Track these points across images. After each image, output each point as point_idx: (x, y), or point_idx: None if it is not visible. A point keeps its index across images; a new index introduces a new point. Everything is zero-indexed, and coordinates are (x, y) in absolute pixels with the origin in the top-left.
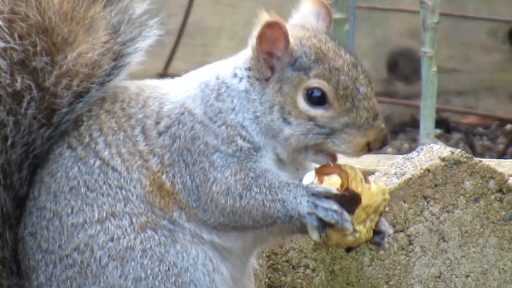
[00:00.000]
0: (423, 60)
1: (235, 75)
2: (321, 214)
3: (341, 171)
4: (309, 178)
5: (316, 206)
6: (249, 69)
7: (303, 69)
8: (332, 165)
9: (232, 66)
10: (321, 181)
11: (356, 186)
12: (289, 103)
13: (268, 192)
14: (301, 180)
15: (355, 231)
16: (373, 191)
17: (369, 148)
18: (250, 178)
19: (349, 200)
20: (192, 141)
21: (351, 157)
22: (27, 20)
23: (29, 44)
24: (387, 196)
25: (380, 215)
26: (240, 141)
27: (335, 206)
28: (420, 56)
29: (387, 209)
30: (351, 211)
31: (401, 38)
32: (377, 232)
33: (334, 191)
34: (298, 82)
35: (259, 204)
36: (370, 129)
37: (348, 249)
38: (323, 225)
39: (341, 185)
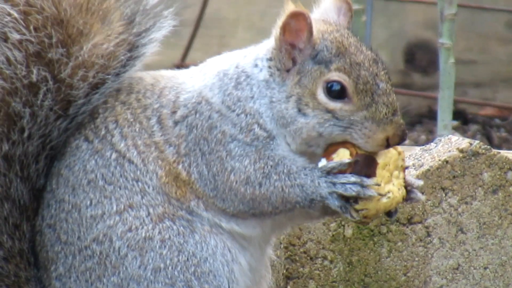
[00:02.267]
0: (440, 51)
1: (256, 65)
2: (341, 190)
3: (345, 143)
4: (321, 164)
5: (334, 184)
6: (270, 59)
7: (324, 62)
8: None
9: (253, 56)
10: (331, 160)
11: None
12: (307, 95)
13: (287, 178)
14: (317, 165)
15: (381, 194)
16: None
17: (388, 144)
18: (269, 167)
19: (364, 163)
20: (209, 130)
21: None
22: (43, 12)
23: (45, 36)
24: (399, 149)
25: (403, 171)
26: (257, 129)
27: (352, 178)
28: (438, 47)
29: (407, 164)
30: (372, 173)
31: (418, 29)
32: (406, 187)
33: (346, 160)
34: (318, 75)
35: (279, 191)
36: (389, 124)
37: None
38: (347, 201)
39: (351, 154)
